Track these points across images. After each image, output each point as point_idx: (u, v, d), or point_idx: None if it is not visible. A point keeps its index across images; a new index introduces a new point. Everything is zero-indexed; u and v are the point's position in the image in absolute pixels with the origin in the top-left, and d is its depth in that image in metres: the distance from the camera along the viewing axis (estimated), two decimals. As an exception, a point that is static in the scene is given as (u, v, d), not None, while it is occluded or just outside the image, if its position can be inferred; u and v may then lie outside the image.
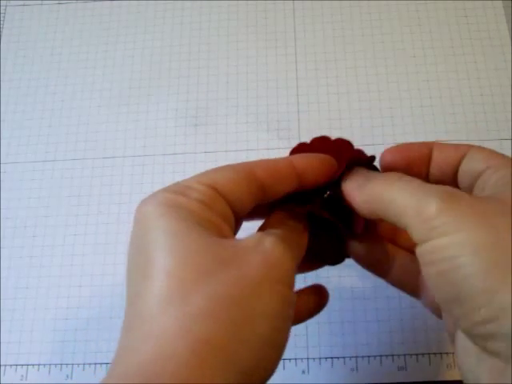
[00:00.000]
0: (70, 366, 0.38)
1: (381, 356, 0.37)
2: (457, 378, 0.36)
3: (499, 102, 0.43)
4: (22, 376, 0.38)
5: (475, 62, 0.45)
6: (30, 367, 0.38)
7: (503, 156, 0.23)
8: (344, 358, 0.37)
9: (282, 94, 0.45)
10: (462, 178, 0.24)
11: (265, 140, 0.44)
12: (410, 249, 0.27)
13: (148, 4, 0.50)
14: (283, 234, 0.22)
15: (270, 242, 0.21)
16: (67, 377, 0.37)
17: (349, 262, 0.39)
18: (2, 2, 0.51)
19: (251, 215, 0.25)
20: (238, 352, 0.18)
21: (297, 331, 0.38)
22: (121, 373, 0.18)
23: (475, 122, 0.43)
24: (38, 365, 0.38)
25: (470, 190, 0.23)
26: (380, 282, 0.38)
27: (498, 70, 0.45)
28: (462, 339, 0.21)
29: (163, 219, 0.20)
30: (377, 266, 0.27)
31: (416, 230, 0.20)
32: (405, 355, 0.37)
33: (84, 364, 0.38)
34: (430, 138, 0.42)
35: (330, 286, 0.39)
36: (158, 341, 0.18)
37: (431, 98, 0.44)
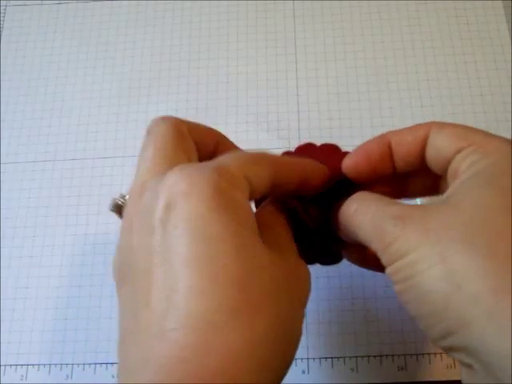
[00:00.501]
0: (69, 366, 0.38)
1: (381, 356, 0.37)
2: (457, 378, 0.36)
3: (499, 101, 0.43)
4: (22, 376, 0.38)
5: (475, 61, 0.45)
6: (29, 367, 0.38)
7: (473, 132, 0.22)
8: (344, 357, 0.37)
9: (281, 94, 0.45)
10: (432, 164, 0.23)
11: (265, 140, 0.44)
12: None
13: (148, 4, 0.50)
14: (292, 244, 0.23)
15: (304, 271, 0.22)
16: (67, 377, 0.37)
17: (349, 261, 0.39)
18: (2, 2, 0.51)
19: None
20: (283, 371, 0.19)
21: (297, 331, 0.38)
22: (176, 377, 0.16)
23: (475, 122, 0.43)
24: (38, 365, 0.38)
25: (443, 173, 0.22)
26: (380, 281, 0.38)
27: (498, 70, 0.45)
28: None
29: (226, 216, 0.18)
30: (373, 264, 0.27)
31: (381, 256, 0.20)
32: (405, 355, 0.37)
33: (84, 364, 0.38)
34: (430, 138, 0.42)
35: (329, 286, 0.40)
36: (223, 355, 0.16)
37: (431, 98, 0.44)
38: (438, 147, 0.22)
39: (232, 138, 0.45)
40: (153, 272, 0.18)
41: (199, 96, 0.46)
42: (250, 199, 0.21)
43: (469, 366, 0.18)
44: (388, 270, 0.20)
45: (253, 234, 0.19)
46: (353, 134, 0.43)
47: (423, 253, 0.18)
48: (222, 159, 0.21)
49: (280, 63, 0.47)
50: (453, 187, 0.20)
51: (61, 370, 0.38)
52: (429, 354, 0.37)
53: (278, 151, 0.43)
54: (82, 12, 0.50)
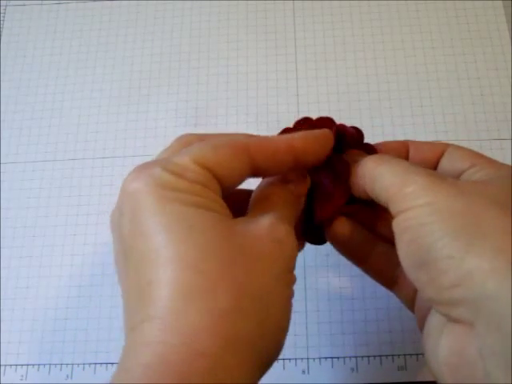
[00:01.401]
0: (69, 366, 0.38)
1: (381, 356, 0.37)
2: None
3: (499, 101, 0.43)
4: (22, 376, 0.38)
5: (475, 61, 0.45)
6: (29, 367, 0.38)
7: (486, 156, 0.24)
8: (344, 357, 0.37)
9: (281, 94, 0.45)
10: (443, 172, 0.25)
11: (265, 140, 0.44)
12: (390, 239, 0.27)
13: (148, 4, 0.50)
14: (288, 216, 0.22)
15: (284, 232, 0.21)
16: (67, 377, 0.37)
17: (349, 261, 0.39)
18: (2, 2, 0.51)
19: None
20: (264, 345, 0.19)
21: (297, 331, 0.38)
22: (146, 363, 0.17)
23: (475, 122, 0.43)
24: (38, 365, 0.38)
25: None
26: (380, 281, 0.38)
27: (498, 70, 0.45)
28: (428, 323, 0.22)
29: (168, 205, 0.19)
30: (355, 251, 0.27)
31: (395, 203, 0.20)
32: (405, 355, 0.37)
33: (84, 364, 0.38)
34: (430, 138, 0.42)
35: (329, 286, 0.40)
36: (186, 337, 0.17)
37: (431, 98, 0.44)
38: (455, 159, 0.24)
39: (232, 137, 0.45)
40: (124, 267, 0.20)
41: (199, 96, 0.46)
42: (225, 184, 0.21)
43: (466, 324, 0.18)
44: (397, 218, 0.20)
45: (200, 213, 0.19)
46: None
47: (444, 204, 0.19)
48: (183, 150, 0.22)
49: (280, 63, 0.47)
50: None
51: (61, 370, 0.38)
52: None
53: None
54: (82, 12, 0.50)
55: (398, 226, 0.20)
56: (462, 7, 0.47)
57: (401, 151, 0.26)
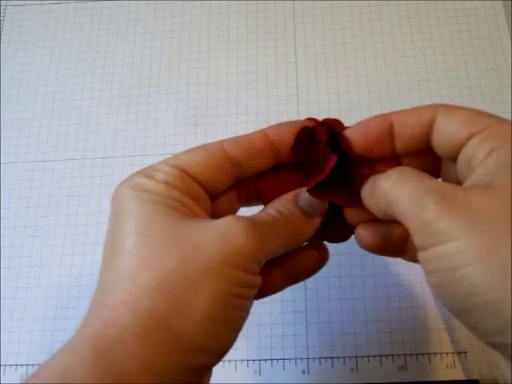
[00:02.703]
0: (69, 366, 0.38)
1: (381, 356, 0.37)
2: (457, 377, 0.36)
3: (499, 101, 0.43)
4: (22, 376, 0.38)
5: (475, 62, 0.45)
6: (30, 367, 0.38)
7: (483, 117, 0.21)
8: (344, 357, 0.37)
9: (282, 94, 0.45)
10: (440, 150, 0.22)
11: (265, 140, 0.44)
12: None
13: (148, 4, 0.50)
14: (269, 220, 0.22)
15: (239, 226, 0.21)
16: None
17: (349, 261, 0.39)
18: (2, 2, 0.51)
19: (249, 201, 0.25)
20: (179, 326, 0.19)
21: (297, 331, 0.38)
22: (74, 339, 0.19)
23: (475, 122, 0.43)
24: (38, 365, 0.38)
25: (453, 158, 0.21)
26: (380, 281, 0.38)
27: (498, 70, 0.45)
28: None
29: (131, 202, 0.21)
30: (391, 253, 0.25)
31: (416, 236, 0.19)
32: (405, 355, 0.37)
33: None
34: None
35: (329, 286, 0.40)
36: (108, 310, 0.19)
37: (431, 98, 0.44)
38: (447, 132, 0.21)
39: (232, 137, 0.45)
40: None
41: (199, 96, 0.46)
42: (206, 183, 0.23)
43: None
44: (423, 255, 0.18)
45: (155, 209, 0.21)
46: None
47: (470, 242, 0.17)
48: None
49: (280, 63, 0.47)
50: (481, 172, 0.19)
51: (61, 369, 0.38)
52: (429, 354, 0.37)
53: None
54: (82, 12, 0.50)
55: (424, 264, 0.19)
56: (462, 7, 0.47)
57: (382, 133, 0.23)
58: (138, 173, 0.23)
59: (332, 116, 0.26)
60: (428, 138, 0.22)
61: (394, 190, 0.21)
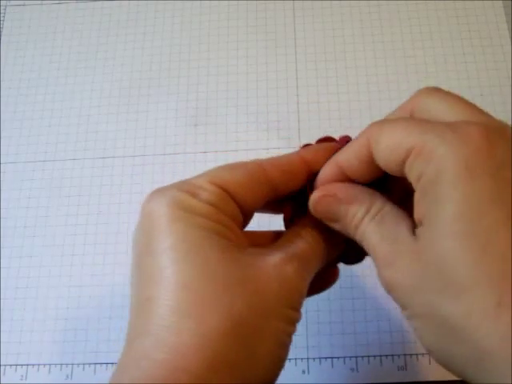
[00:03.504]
0: (69, 366, 0.38)
1: (381, 356, 0.37)
2: (457, 378, 0.36)
3: (499, 101, 0.43)
4: (22, 376, 0.38)
5: (475, 61, 0.45)
6: (29, 367, 0.38)
7: (404, 136, 0.19)
8: (344, 357, 0.37)
9: (282, 94, 0.45)
10: (385, 168, 0.20)
11: (265, 140, 0.44)
12: None
13: (148, 4, 0.50)
14: (304, 255, 0.22)
15: (292, 269, 0.20)
16: (67, 377, 0.37)
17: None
18: (2, 2, 0.51)
19: (262, 208, 0.25)
20: (251, 369, 0.19)
21: (297, 331, 0.38)
22: (134, 377, 0.18)
23: (475, 122, 0.43)
24: (38, 365, 0.38)
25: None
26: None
27: (498, 70, 0.45)
28: None
29: (176, 225, 0.19)
30: None
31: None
32: (405, 355, 0.37)
33: (84, 364, 0.38)
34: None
35: (330, 286, 0.39)
36: (173, 352, 0.18)
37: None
38: (384, 162, 0.20)
39: (232, 138, 0.45)
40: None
41: (199, 96, 0.46)
42: (244, 204, 0.21)
43: None
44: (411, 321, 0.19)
45: (208, 236, 0.19)
46: (353, 134, 0.43)
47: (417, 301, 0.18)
48: (201, 173, 0.22)
49: (280, 63, 0.47)
50: (418, 209, 0.19)
51: (61, 370, 0.38)
52: (429, 353, 0.36)
53: (278, 151, 0.43)
54: (82, 12, 0.50)
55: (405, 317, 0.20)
56: (462, 7, 0.47)
57: (341, 177, 0.22)
58: (174, 187, 0.21)
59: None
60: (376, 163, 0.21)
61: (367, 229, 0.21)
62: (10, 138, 0.45)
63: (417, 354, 0.37)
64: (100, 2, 0.50)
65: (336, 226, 0.22)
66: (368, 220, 0.21)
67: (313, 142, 0.27)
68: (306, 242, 0.22)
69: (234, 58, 0.47)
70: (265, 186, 0.22)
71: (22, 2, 0.51)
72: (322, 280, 0.26)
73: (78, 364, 0.38)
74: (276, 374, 0.20)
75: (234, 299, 0.19)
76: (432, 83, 0.45)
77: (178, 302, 0.18)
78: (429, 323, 0.18)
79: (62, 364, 0.38)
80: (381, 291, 0.40)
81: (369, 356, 0.37)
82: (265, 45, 0.47)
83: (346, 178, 0.22)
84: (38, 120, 0.46)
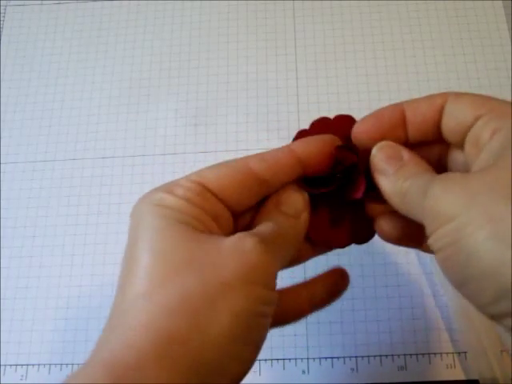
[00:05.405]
0: (69, 366, 0.38)
1: (381, 356, 0.37)
2: (457, 378, 0.36)
3: (499, 101, 0.43)
4: (22, 376, 0.38)
5: (475, 61, 0.45)
6: (29, 367, 0.38)
7: (489, 100, 0.22)
8: (344, 357, 0.37)
9: (282, 94, 0.45)
10: (448, 134, 0.23)
11: (265, 140, 0.44)
12: None
13: (148, 4, 0.50)
14: (270, 232, 0.22)
15: (250, 243, 0.20)
16: (67, 377, 0.37)
17: (349, 261, 0.39)
18: (2, 2, 0.51)
19: None
20: (200, 348, 0.18)
21: (297, 331, 0.38)
22: (91, 363, 0.19)
23: (475, 122, 0.43)
24: (38, 365, 0.38)
25: (461, 144, 0.22)
26: (380, 281, 0.38)
27: (498, 70, 0.45)
28: None
29: (147, 217, 0.21)
30: (408, 243, 0.26)
31: (425, 223, 0.20)
32: (405, 355, 0.37)
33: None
34: (430, 138, 0.42)
35: (330, 286, 0.39)
36: (124, 331, 0.19)
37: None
38: (456, 115, 0.22)
39: (232, 137, 0.45)
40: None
41: (199, 96, 0.46)
42: (230, 200, 0.22)
43: None
44: (432, 238, 0.19)
45: (171, 224, 0.20)
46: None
47: (471, 215, 0.18)
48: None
49: (280, 63, 0.47)
50: (486, 154, 0.20)
51: (61, 370, 0.38)
52: (429, 354, 0.37)
53: (278, 151, 0.43)
54: (82, 12, 0.50)
55: (432, 245, 0.20)
56: (462, 7, 0.48)
57: (394, 117, 0.24)
58: (158, 188, 0.22)
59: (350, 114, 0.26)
60: (438, 124, 0.23)
61: (405, 191, 0.22)
62: (9, 138, 0.45)
63: (417, 354, 0.37)
64: (100, 2, 0.50)
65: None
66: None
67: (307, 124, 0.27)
68: (263, 226, 0.22)
69: (233, 58, 0.47)
70: (252, 182, 0.22)
71: (22, 2, 0.51)
72: (331, 288, 0.27)
73: (78, 364, 0.38)
74: (240, 358, 0.20)
75: (186, 278, 0.19)
76: (432, 83, 0.45)
77: (136, 286, 0.19)
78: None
79: (61, 364, 0.38)
80: (381, 291, 0.40)
81: (369, 356, 0.37)
82: (265, 45, 0.47)
83: (394, 127, 0.24)
84: (38, 120, 0.46)
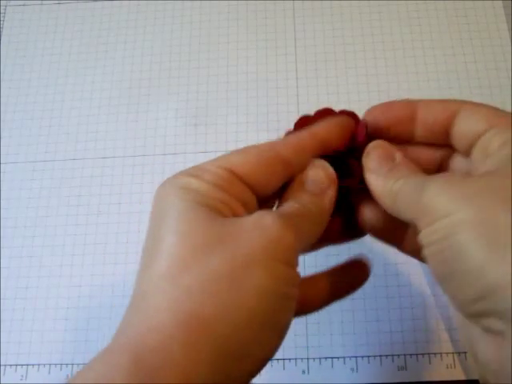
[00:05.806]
0: (69, 366, 0.38)
1: (381, 356, 0.37)
2: (457, 378, 0.36)
3: (499, 102, 0.43)
4: (22, 376, 0.38)
5: (475, 61, 0.45)
6: (29, 367, 0.38)
7: (504, 113, 0.22)
8: (344, 357, 0.37)
9: (282, 94, 0.45)
10: (457, 139, 0.23)
11: (265, 140, 0.44)
12: None
13: (148, 4, 0.50)
14: (292, 211, 0.22)
15: (270, 218, 0.20)
16: (67, 377, 0.37)
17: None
18: (2, 2, 0.51)
19: None
20: (225, 331, 0.18)
21: (297, 331, 0.38)
22: (115, 345, 0.18)
23: (475, 122, 0.43)
24: (38, 365, 0.38)
25: (467, 151, 0.23)
26: (380, 281, 0.38)
27: (498, 70, 0.45)
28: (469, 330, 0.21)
29: (173, 200, 0.21)
30: (388, 235, 0.26)
31: (418, 218, 0.20)
32: (405, 355, 0.37)
33: (84, 364, 0.38)
34: (430, 138, 0.42)
35: (330, 286, 0.39)
36: (148, 313, 0.18)
37: (431, 98, 0.44)
38: (470, 123, 0.22)
39: (232, 137, 0.45)
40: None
41: (199, 96, 0.46)
42: (257, 185, 0.22)
43: (499, 334, 0.18)
44: (423, 232, 0.20)
45: (196, 208, 0.20)
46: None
47: (466, 213, 0.18)
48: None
49: (280, 63, 0.47)
50: (492, 161, 0.21)
51: (61, 370, 0.38)
52: (429, 354, 0.37)
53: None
54: (82, 12, 0.50)
55: (422, 239, 0.20)
56: (462, 7, 0.48)
57: (405, 112, 0.25)
58: (184, 172, 0.22)
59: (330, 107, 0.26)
60: (448, 128, 0.23)
61: (398, 186, 0.22)
62: (9, 137, 0.45)
63: (417, 354, 0.37)
64: (100, 2, 0.50)
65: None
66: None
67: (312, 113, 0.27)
68: (286, 205, 0.23)
69: (233, 58, 0.47)
70: (278, 165, 0.22)
71: (22, 2, 0.51)
72: (352, 278, 0.27)
73: (78, 364, 0.38)
74: (264, 342, 0.20)
75: (210, 258, 0.19)
76: (432, 83, 0.45)
77: (160, 267, 0.19)
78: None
79: (61, 364, 0.38)
80: (381, 291, 0.40)
81: (369, 356, 0.37)
82: (265, 45, 0.47)
83: (402, 120, 0.24)
84: (38, 120, 0.46)
